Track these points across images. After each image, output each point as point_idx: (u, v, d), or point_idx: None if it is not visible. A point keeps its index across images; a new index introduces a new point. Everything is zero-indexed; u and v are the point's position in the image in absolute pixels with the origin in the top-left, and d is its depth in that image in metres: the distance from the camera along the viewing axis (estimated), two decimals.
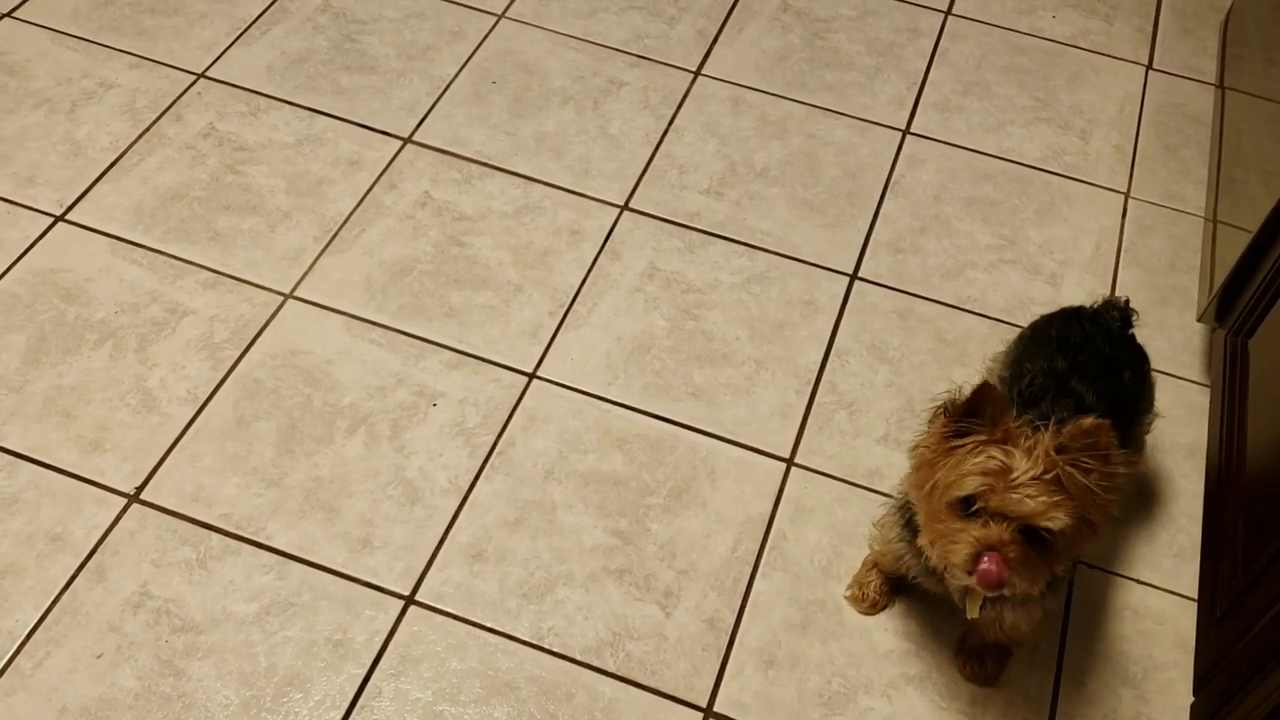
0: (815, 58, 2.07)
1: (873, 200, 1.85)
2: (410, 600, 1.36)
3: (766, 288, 1.71)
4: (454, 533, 1.42)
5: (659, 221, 1.79)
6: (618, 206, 1.80)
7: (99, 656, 1.28)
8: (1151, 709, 1.33)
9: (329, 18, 2.03)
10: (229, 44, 1.97)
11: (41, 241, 1.67)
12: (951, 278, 1.75)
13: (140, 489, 1.42)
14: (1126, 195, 1.90)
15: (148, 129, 1.83)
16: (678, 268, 1.73)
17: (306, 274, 1.67)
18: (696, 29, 2.09)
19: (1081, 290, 1.75)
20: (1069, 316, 1.36)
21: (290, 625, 1.32)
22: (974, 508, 1.06)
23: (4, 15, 1.97)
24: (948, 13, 2.19)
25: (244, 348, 1.57)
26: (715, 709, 1.30)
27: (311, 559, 1.38)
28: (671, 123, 1.93)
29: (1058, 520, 1.02)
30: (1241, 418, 1.43)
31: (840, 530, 1.45)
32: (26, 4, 1.99)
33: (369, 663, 1.30)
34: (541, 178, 1.83)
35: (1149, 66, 2.12)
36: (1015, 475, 1.03)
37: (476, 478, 1.46)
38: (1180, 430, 1.59)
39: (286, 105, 1.89)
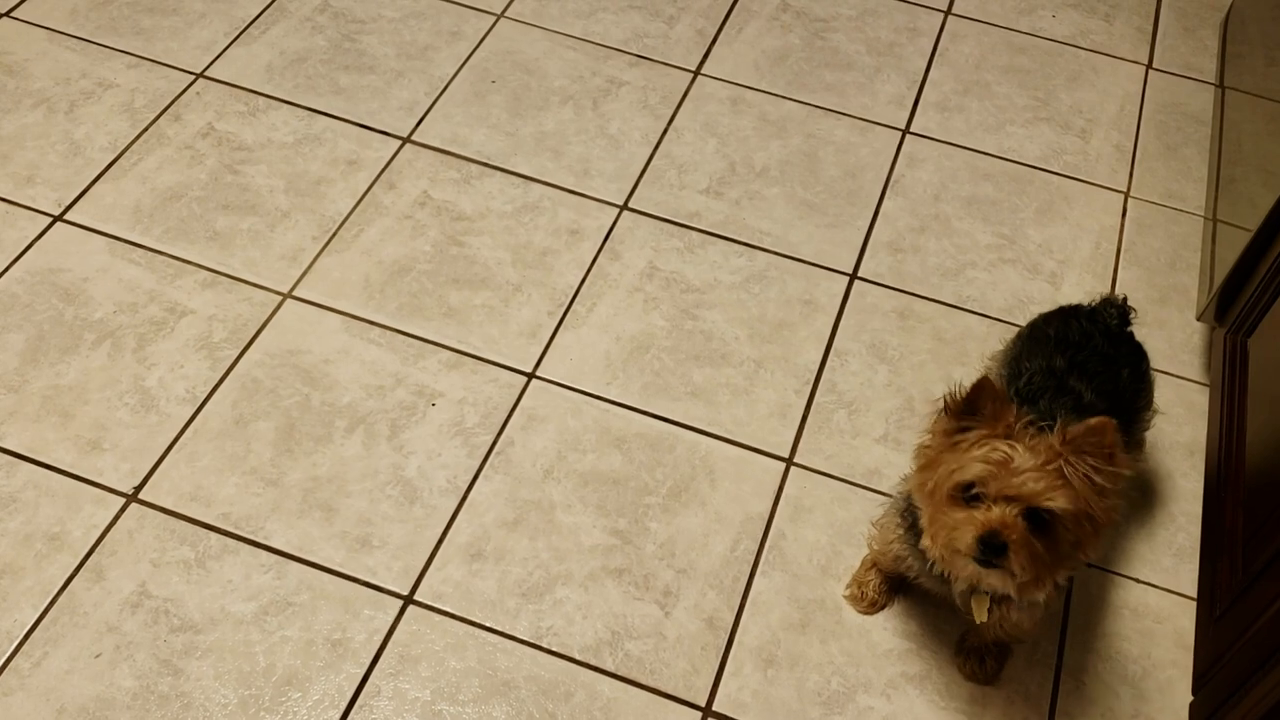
0: (815, 57, 2.06)
1: (872, 200, 1.85)
2: (409, 600, 1.35)
3: (766, 287, 1.71)
4: (453, 532, 1.41)
5: (658, 221, 1.79)
6: (617, 206, 1.80)
7: (97, 656, 1.28)
8: (1150, 708, 1.33)
9: (328, 17, 2.03)
10: (228, 44, 1.97)
11: (40, 241, 1.67)
12: (951, 277, 1.75)
13: (139, 489, 1.42)
14: (1126, 194, 1.90)
15: (146, 129, 1.83)
16: (677, 267, 1.72)
17: (305, 274, 1.66)
18: (696, 29, 2.09)
19: (1081, 289, 1.74)
20: (1067, 315, 1.36)
21: (289, 625, 1.32)
22: (974, 492, 1.06)
23: (2, 15, 1.97)
24: (948, 12, 2.19)
25: (242, 347, 1.57)
26: (714, 708, 1.30)
27: (310, 558, 1.38)
28: (671, 122, 1.93)
29: (1059, 501, 1.02)
30: (1241, 416, 1.43)
31: (839, 529, 1.45)
32: (25, 4, 1.99)
33: (368, 662, 1.30)
34: (541, 177, 1.83)
35: (1149, 66, 2.12)
36: (1018, 464, 1.04)
37: (475, 477, 1.46)
38: (1180, 429, 1.59)
39: (285, 105, 1.89)
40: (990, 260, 1.78)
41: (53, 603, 1.32)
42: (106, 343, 1.56)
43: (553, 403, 1.55)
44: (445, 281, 1.67)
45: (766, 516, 1.46)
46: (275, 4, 2.04)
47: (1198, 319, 1.65)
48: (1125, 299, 1.37)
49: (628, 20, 2.09)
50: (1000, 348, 1.46)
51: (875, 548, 1.35)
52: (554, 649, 1.32)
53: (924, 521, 1.14)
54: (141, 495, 1.41)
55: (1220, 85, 1.99)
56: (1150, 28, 2.20)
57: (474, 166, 1.83)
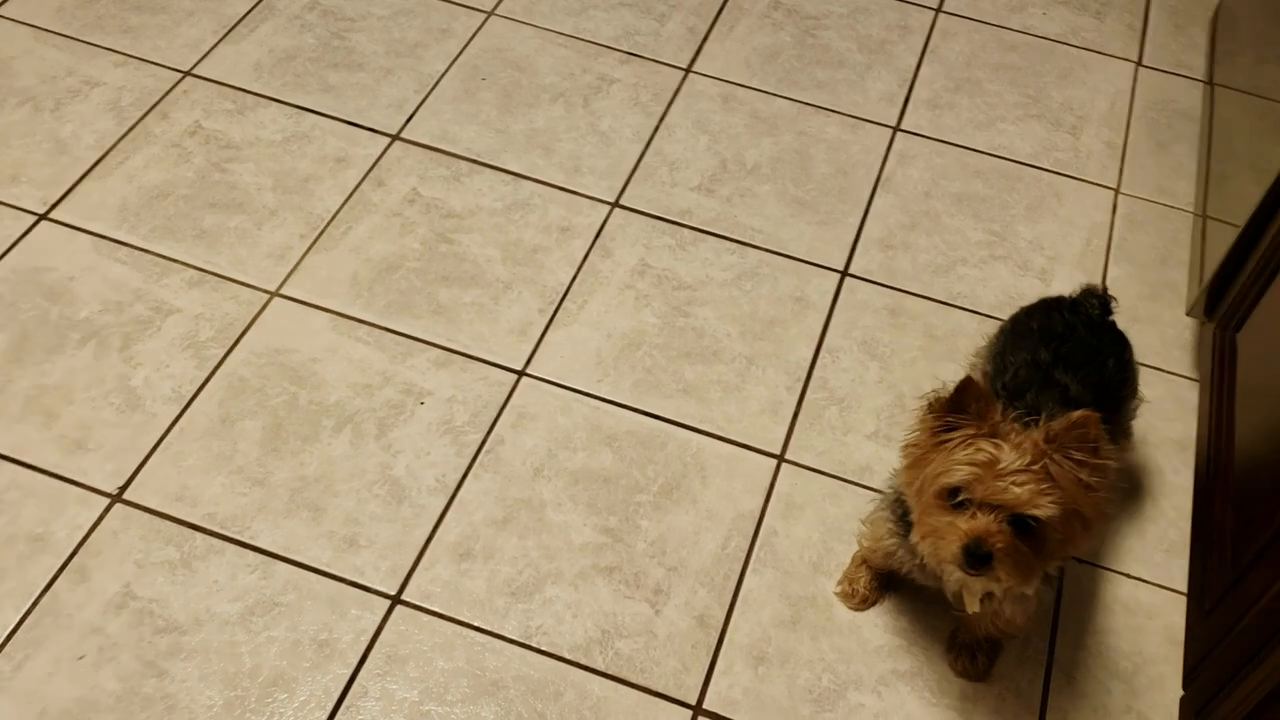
0: (806, 55, 2.06)
1: (863, 197, 1.84)
2: (397, 600, 1.34)
3: (757, 284, 1.70)
4: (441, 531, 1.40)
5: (650, 218, 1.78)
6: (608, 203, 1.79)
7: (81, 658, 1.27)
8: (1141, 703, 1.33)
9: (317, 15, 2.02)
10: (216, 42, 1.96)
11: (25, 240, 1.65)
12: (942, 274, 1.75)
13: (123, 489, 1.41)
14: (1116, 191, 1.90)
15: (133, 127, 1.81)
16: (668, 265, 1.72)
17: (292, 272, 1.65)
18: (687, 26, 2.09)
19: (1071, 285, 1.72)
20: (1049, 307, 1.36)
21: (275, 625, 1.31)
22: (960, 498, 1.05)
23: None
24: (938, 10, 2.18)
25: (229, 346, 1.56)
26: (705, 706, 1.29)
27: (297, 558, 1.36)
28: (662, 120, 1.92)
29: (1045, 508, 1.02)
30: (1230, 410, 1.43)
31: (830, 526, 1.44)
32: (10, 1, 1.98)
33: (355, 662, 1.29)
34: (531, 175, 1.82)
35: (1139, 63, 2.12)
36: (1003, 466, 1.03)
37: (464, 476, 1.45)
38: (1170, 425, 1.58)
39: (274, 103, 1.88)
40: (981, 257, 1.78)
41: (35, 604, 1.30)
42: (92, 342, 1.54)
43: (543, 400, 1.54)
44: (434, 279, 1.66)
45: (758, 513, 1.45)
46: (264, 2, 2.03)
47: (1187, 314, 1.65)
48: (1106, 288, 1.37)
49: (619, 17, 2.08)
50: (983, 343, 1.46)
51: (866, 544, 1.34)
52: (543, 648, 1.32)
53: (914, 517, 1.14)
54: (126, 495, 1.40)
55: (1209, 82, 1.99)
56: (1140, 25, 2.20)
57: (464, 164, 1.82)
